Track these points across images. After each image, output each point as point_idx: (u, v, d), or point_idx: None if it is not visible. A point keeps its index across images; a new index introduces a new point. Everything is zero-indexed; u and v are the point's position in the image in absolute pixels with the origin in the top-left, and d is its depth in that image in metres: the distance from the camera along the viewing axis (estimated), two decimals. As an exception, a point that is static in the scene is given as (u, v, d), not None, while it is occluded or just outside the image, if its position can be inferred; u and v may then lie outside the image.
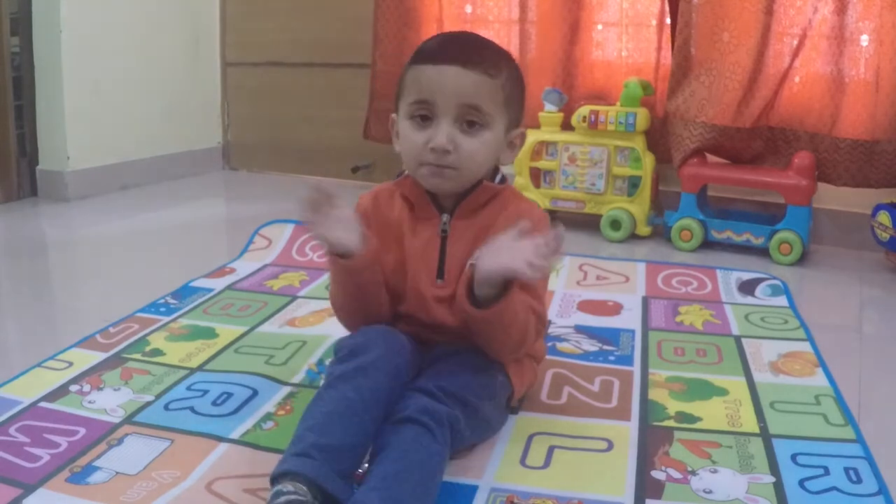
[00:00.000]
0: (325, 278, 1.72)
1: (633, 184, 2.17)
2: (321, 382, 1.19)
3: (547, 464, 1.00)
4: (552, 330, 1.45)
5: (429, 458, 0.88)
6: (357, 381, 0.93)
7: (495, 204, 1.07)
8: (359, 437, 0.89)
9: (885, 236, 1.92)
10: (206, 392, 1.17)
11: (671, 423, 1.11)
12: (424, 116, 1.02)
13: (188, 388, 1.18)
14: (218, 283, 1.68)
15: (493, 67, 1.02)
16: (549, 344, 1.36)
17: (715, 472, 0.98)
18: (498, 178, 1.09)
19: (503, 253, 0.93)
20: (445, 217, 1.06)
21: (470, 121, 1.01)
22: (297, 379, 1.23)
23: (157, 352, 1.32)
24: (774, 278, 1.76)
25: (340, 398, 0.91)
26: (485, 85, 1.01)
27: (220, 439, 1.04)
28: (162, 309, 1.53)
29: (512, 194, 1.09)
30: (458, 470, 0.97)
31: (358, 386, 0.92)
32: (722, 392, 1.21)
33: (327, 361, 1.28)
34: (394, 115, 1.08)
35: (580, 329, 1.47)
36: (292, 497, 0.81)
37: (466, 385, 0.98)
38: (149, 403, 1.14)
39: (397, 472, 0.85)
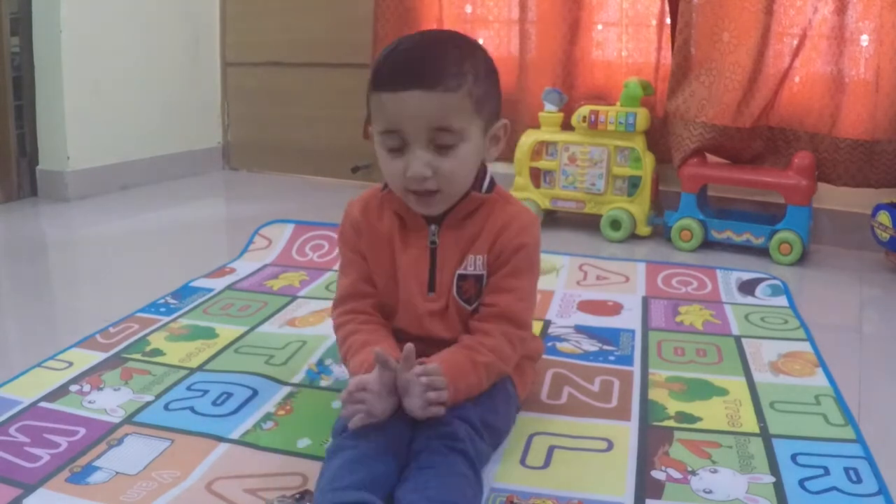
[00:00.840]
0: (326, 278, 1.72)
1: (633, 184, 2.17)
2: (321, 383, 1.20)
3: (547, 464, 1.00)
4: (552, 330, 1.46)
5: (472, 500, 0.88)
6: (367, 437, 0.91)
7: (483, 211, 1.05)
8: (386, 475, 0.88)
9: (885, 236, 1.92)
10: (206, 392, 1.17)
11: (671, 423, 1.11)
12: (397, 146, 0.98)
13: (188, 388, 1.18)
14: (218, 283, 1.68)
15: (454, 78, 0.96)
16: (549, 344, 1.36)
17: (715, 472, 0.98)
18: (486, 181, 1.06)
19: (408, 395, 0.92)
20: (433, 228, 1.05)
21: (442, 143, 0.97)
22: (297, 379, 1.22)
23: (157, 352, 1.32)
24: (774, 278, 1.76)
25: (354, 448, 0.89)
26: (450, 101, 0.96)
27: (220, 439, 1.04)
28: (162, 309, 1.53)
29: (500, 200, 1.07)
30: (458, 470, 0.97)
31: (368, 439, 0.91)
32: (722, 392, 1.21)
33: (327, 362, 1.28)
34: (371, 129, 1.03)
35: (580, 329, 1.47)
36: None
37: (500, 417, 1.02)
38: (149, 403, 1.14)
39: None
